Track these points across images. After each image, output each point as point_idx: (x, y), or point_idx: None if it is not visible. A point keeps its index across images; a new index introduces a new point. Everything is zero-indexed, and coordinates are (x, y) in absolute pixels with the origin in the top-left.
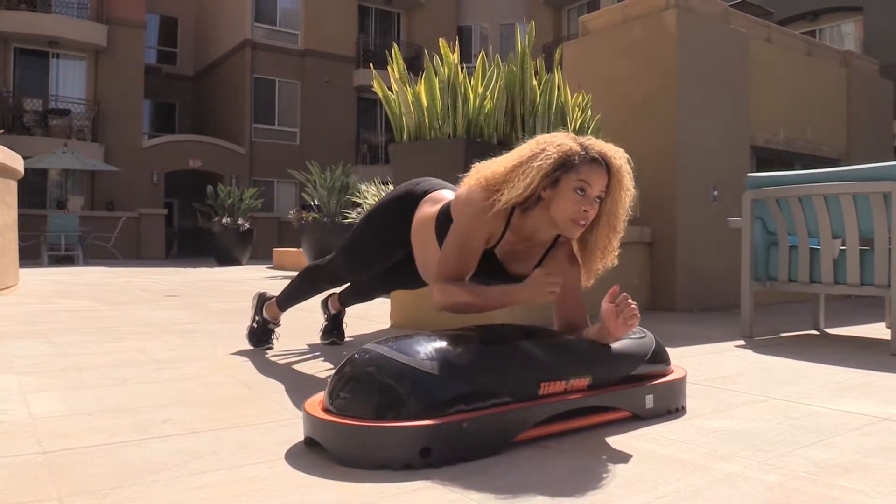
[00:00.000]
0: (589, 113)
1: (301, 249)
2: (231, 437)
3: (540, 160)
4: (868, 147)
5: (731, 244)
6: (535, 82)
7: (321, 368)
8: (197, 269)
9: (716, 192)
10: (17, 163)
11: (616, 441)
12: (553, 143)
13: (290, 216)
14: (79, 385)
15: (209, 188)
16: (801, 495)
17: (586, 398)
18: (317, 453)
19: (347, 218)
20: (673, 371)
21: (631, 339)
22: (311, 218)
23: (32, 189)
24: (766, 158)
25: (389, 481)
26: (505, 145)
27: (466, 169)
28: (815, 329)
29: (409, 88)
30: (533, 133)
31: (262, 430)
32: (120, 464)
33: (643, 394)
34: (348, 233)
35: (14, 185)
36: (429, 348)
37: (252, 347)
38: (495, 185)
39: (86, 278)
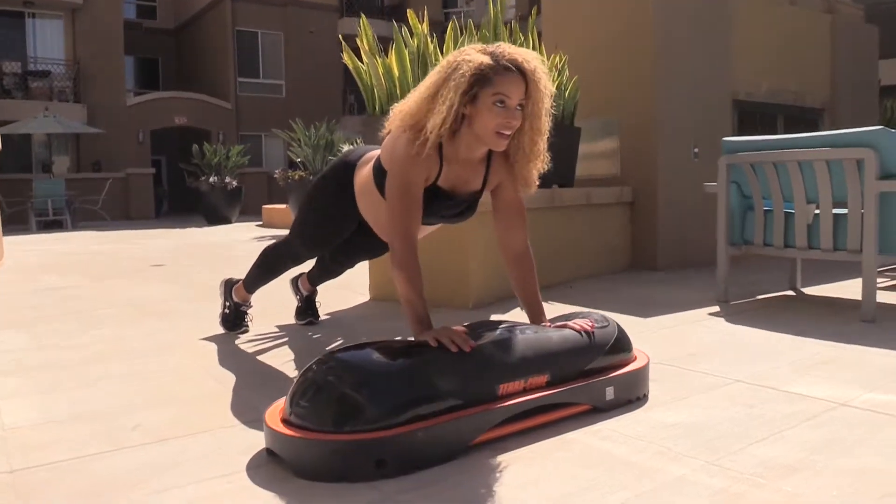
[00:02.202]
0: (566, 74)
1: (288, 206)
2: (196, 446)
3: (455, 80)
4: (853, 94)
5: (712, 203)
6: None
7: (292, 356)
8: (186, 229)
9: (696, 150)
10: None
11: (572, 440)
12: (464, 59)
13: (276, 175)
14: (54, 386)
15: (195, 147)
16: (744, 503)
17: (545, 396)
18: (277, 464)
19: None
20: (636, 359)
21: (597, 328)
22: (297, 176)
23: (17, 153)
24: (749, 112)
25: (342, 497)
26: None
27: None
28: (791, 289)
29: (379, 60)
30: None
31: (228, 434)
32: (85, 483)
33: (603, 387)
34: (297, 212)
35: None
36: (386, 356)
37: (226, 332)
38: (419, 119)
39: (72, 247)
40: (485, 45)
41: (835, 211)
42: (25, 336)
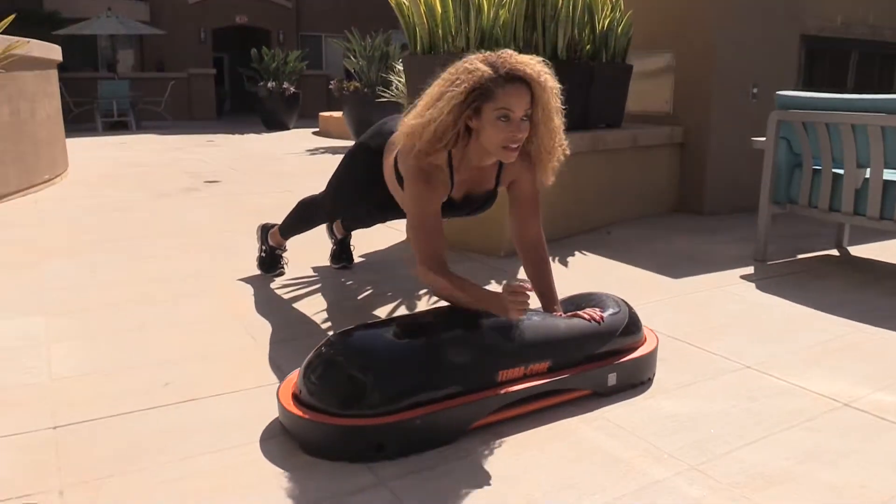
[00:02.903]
0: (620, 9)
1: (343, 116)
2: (220, 409)
3: (453, 94)
4: None
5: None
6: None
7: (324, 305)
8: (243, 136)
9: (756, 90)
10: (52, 53)
11: (565, 430)
12: (464, 70)
13: (330, 86)
14: (99, 330)
15: (253, 51)
16: None
17: (545, 384)
18: (288, 436)
19: (383, 96)
20: (645, 341)
21: (609, 315)
22: (352, 87)
23: (84, 51)
24: (819, 49)
25: (342, 478)
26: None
27: None
28: (836, 247)
29: None
30: (554, 41)
31: (251, 397)
32: (119, 443)
33: (605, 373)
34: (332, 176)
35: (54, 75)
36: (392, 340)
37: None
38: (422, 137)
39: (133, 155)
40: (487, 54)
41: (887, 177)
42: (77, 269)
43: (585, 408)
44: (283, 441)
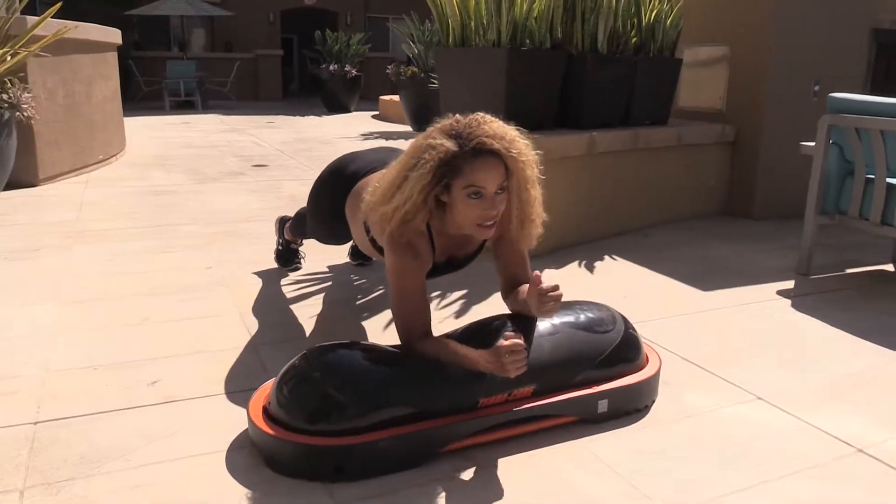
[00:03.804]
0: (669, 1)
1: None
2: (198, 413)
3: (418, 172)
4: None
5: None
6: None
7: (328, 306)
8: (303, 118)
9: (817, 87)
10: (110, 36)
11: (541, 459)
12: (428, 146)
13: (388, 70)
14: (106, 322)
15: (317, 33)
16: None
17: (528, 409)
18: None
19: (435, 82)
20: (645, 364)
21: (592, 333)
22: (409, 72)
23: (157, 32)
24: (891, 44)
25: (298, 498)
26: (561, 48)
27: (510, 82)
28: (893, 262)
29: None
30: (594, 34)
31: (230, 402)
32: (90, 444)
33: (594, 400)
34: (307, 200)
35: (112, 57)
36: (362, 361)
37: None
38: (391, 222)
39: (192, 135)
40: (453, 123)
41: None
42: (102, 254)
43: (572, 434)
44: (250, 453)
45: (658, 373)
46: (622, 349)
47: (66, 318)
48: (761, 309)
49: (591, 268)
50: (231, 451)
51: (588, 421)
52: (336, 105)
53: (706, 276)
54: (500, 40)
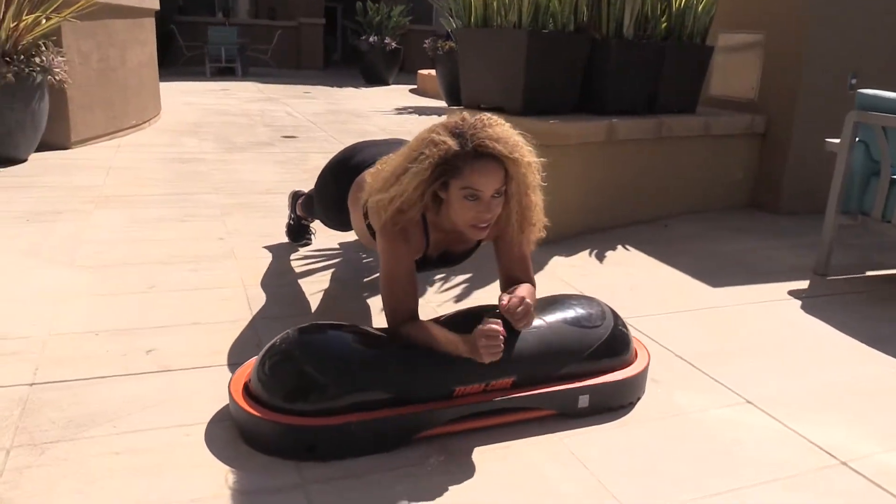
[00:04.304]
0: None
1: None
2: (187, 383)
3: (416, 168)
4: None
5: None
6: None
7: (330, 284)
8: (341, 89)
9: (854, 80)
10: (146, 2)
11: (516, 451)
12: (430, 142)
13: (425, 45)
14: (115, 288)
15: (358, 4)
16: None
17: (505, 399)
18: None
19: None
20: (633, 360)
21: (579, 328)
22: (446, 47)
23: None
24: None
25: (268, 474)
26: (584, 32)
27: (530, 65)
28: None
29: None
30: (620, 18)
31: (219, 374)
32: (80, 408)
33: (575, 394)
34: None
35: (149, 22)
36: (341, 343)
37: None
38: (387, 211)
39: (228, 103)
40: (457, 121)
41: None
42: (122, 220)
43: (550, 428)
44: (229, 427)
45: (645, 370)
46: (609, 345)
47: (76, 282)
48: (769, 309)
49: (601, 257)
50: (212, 424)
51: (568, 416)
52: (374, 77)
53: (718, 272)
54: (521, 22)
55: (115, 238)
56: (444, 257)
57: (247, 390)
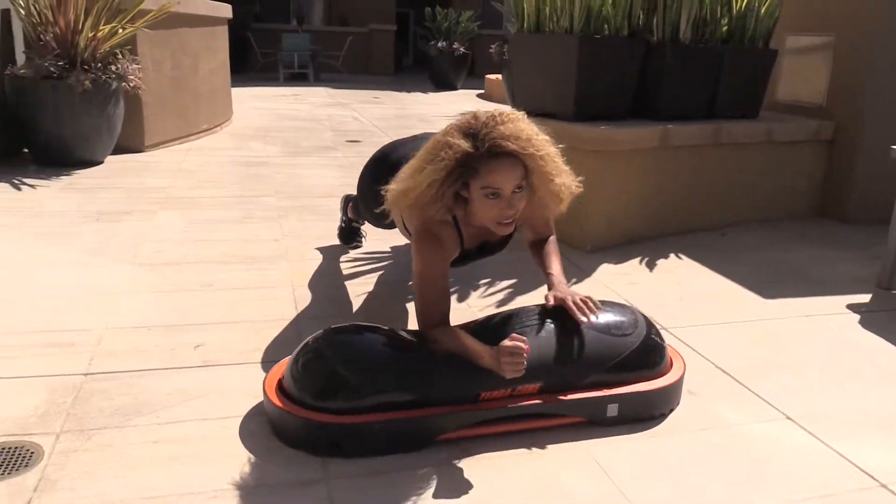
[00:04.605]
0: None
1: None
2: (229, 378)
3: (431, 167)
4: None
5: None
6: None
7: (375, 287)
8: (409, 94)
9: None
10: (219, 11)
11: (540, 456)
12: (445, 144)
13: (491, 50)
14: (171, 286)
15: (427, 10)
16: None
17: (529, 406)
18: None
19: None
20: (668, 370)
21: (609, 335)
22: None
23: (277, 3)
24: None
25: (294, 468)
26: (638, 36)
27: (581, 71)
28: None
29: None
30: (676, 25)
31: (261, 368)
32: (128, 398)
33: (604, 403)
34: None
35: (221, 31)
36: (369, 345)
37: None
38: (401, 205)
39: (298, 108)
40: (470, 120)
41: None
42: (183, 221)
43: (576, 436)
44: (263, 421)
45: (678, 381)
46: (640, 354)
47: (134, 279)
48: (823, 322)
49: (652, 265)
50: (248, 418)
51: (597, 424)
52: (443, 82)
53: (773, 283)
54: (572, 27)
55: (176, 238)
56: (483, 248)
57: (280, 387)
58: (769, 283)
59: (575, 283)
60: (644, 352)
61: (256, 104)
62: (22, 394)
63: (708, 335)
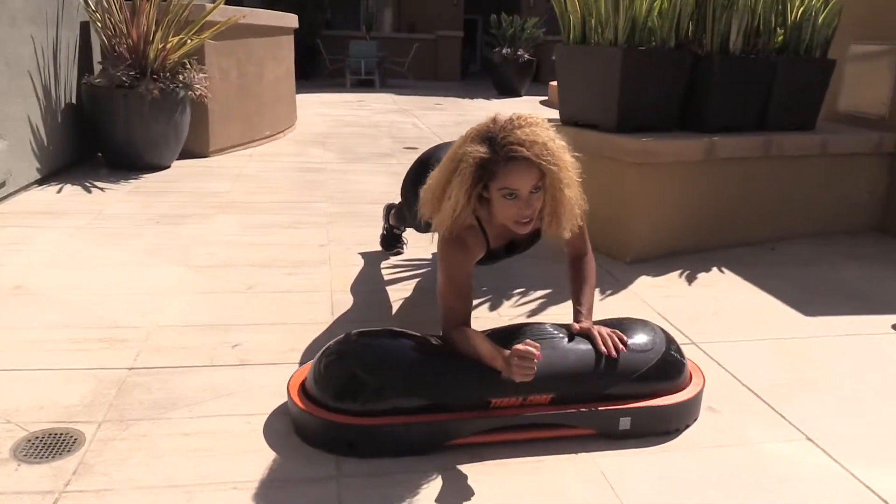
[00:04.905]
0: None
1: None
2: (260, 377)
3: (459, 177)
4: None
5: None
6: None
7: (412, 293)
8: (473, 100)
9: None
10: (284, 21)
11: (548, 466)
12: (465, 153)
13: (553, 58)
14: (218, 286)
15: (493, 17)
16: None
17: (541, 415)
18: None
19: None
20: (686, 385)
21: (628, 351)
22: None
23: (347, 11)
24: None
25: (312, 464)
26: (685, 47)
27: (624, 83)
28: None
29: None
30: (725, 36)
31: (293, 369)
32: (167, 392)
33: (616, 416)
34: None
35: (286, 40)
36: (393, 349)
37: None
38: (444, 224)
39: (360, 115)
40: (489, 125)
41: None
42: (237, 225)
43: (585, 447)
44: (286, 419)
45: (695, 397)
46: (658, 370)
47: (187, 280)
48: (863, 342)
49: (691, 279)
50: (273, 415)
51: (609, 437)
52: (507, 89)
53: (817, 300)
54: (617, 38)
55: (228, 241)
56: (510, 247)
57: (303, 386)
58: (812, 300)
59: (610, 294)
60: (661, 368)
61: (321, 110)
62: (72, 384)
63: (738, 351)
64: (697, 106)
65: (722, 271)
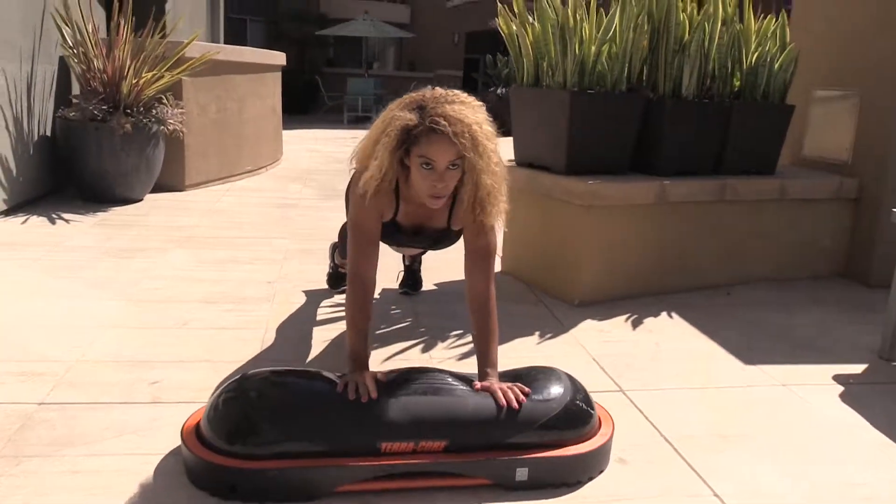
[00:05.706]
0: (777, 41)
1: None
2: (170, 416)
3: (385, 138)
4: None
5: None
6: (685, 13)
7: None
8: None
9: None
10: (269, 59)
11: None
12: (394, 116)
13: None
14: (153, 321)
15: (488, 57)
16: None
17: (433, 463)
18: None
19: None
20: (591, 437)
21: (529, 400)
22: None
23: (351, 50)
24: None
25: None
26: (635, 92)
27: (573, 126)
28: None
29: (528, 29)
30: (678, 80)
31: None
32: (67, 429)
33: (512, 466)
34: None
35: (271, 77)
36: (283, 390)
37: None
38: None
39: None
40: (423, 94)
41: None
42: (192, 260)
43: (480, 498)
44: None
45: (599, 449)
46: (561, 420)
47: (124, 314)
48: (796, 394)
49: (638, 323)
50: (170, 455)
51: (507, 488)
52: (501, 126)
53: (762, 347)
54: (566, 81)
55: (179, 275)
56: (417, 231)
57: (197, 426)
58: (756, 348)
59: (550, 337)
60: (565, 418)
61: (312, 146)
62: None
63: (665, 400)
64: (651, 149)
65: (671, 316)
